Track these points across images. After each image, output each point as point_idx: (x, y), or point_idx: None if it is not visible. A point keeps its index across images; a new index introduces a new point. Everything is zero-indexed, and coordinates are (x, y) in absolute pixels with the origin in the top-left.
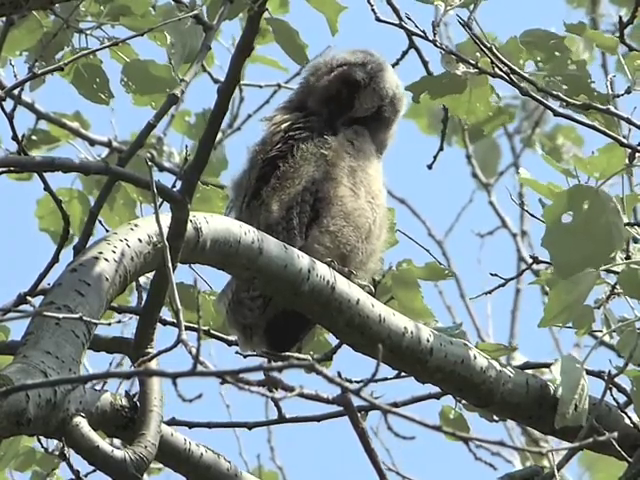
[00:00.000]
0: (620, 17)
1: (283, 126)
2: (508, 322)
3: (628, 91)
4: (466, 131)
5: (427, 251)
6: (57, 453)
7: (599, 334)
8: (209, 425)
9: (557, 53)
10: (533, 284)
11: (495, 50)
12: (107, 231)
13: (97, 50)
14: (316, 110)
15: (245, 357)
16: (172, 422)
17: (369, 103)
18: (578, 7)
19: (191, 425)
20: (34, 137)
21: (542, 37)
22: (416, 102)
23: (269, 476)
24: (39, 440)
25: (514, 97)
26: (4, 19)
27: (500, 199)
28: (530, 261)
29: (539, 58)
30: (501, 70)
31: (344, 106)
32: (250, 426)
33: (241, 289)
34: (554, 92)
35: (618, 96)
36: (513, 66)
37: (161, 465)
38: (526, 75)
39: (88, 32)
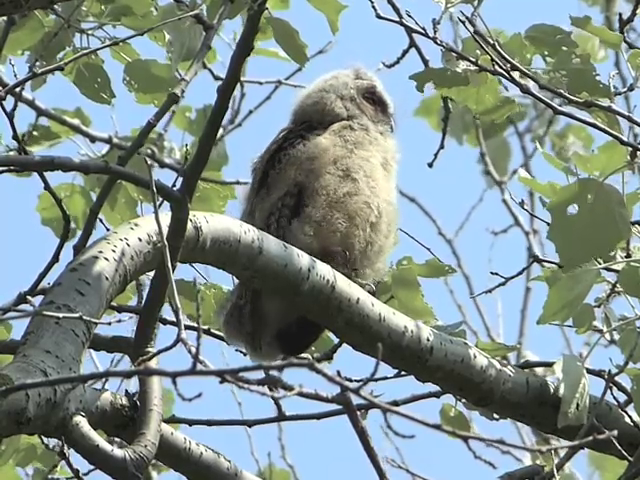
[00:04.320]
0: (620, 15)
1: (281, 135)
2: (518, 321)
3: (631, 88)
4: (479, 129)
5: (428, 249)
6: (57, 452)
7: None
8: (209, 422)
9: (564, 48)
10: (535, 280)
11: (498, 47)
12: (108, 230)
13: (97, 50)
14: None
15: (245, 355)
16: (172, 420)
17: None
18: (593, 5)
19: (191, 423)
20: (35, 133)
21: (549, 32)
22: (420, 91)
23: (280, 475)
24: (39, 436)
25: (524, 96)
26: (4, 18)
27: (513, 197)
28: (532, 260)
29: (546, 52)
30: (502, 68)
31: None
32: (250, 424)
33: (237, 297)
34: (556, 89)
35: (620, 93)
36: (515, 63)
37: None
38: (528, 72)
39: (89, 32)
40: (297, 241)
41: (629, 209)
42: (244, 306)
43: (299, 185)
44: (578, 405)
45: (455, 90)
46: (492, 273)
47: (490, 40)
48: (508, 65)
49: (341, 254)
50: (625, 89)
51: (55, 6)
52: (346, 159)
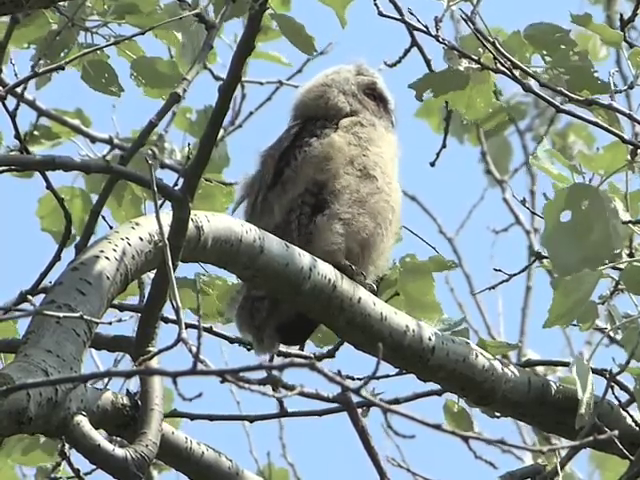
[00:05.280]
0: (621, 14)
1: (292, 132)
2: (519, 319)
3: (631, 86)
4: (480, 128)
5: (432, 247)
6: (58, 451)
7: (605, 331)
8: (210, 417)
9: (562, 46)
10: (540, 267)
11: (498, 45)
12: (111, 228)
13: (100, 48)
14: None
15: (249, 350)
16: (173, 414)
17: None
18: (595, 4)
19: (192, 417)
20: (36, 132)
21: (547, 31)
22: (419, 100)
23: (279, 473)
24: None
25: (526, 95)
26: (6, 18)
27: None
28: (535, 258)
29: (545, 52)
30: (503, 66)
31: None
32: (252, 419)
33: (250, 290)
34: (557, 87)
35: (620, 91)
36: (516, 61)
37: None
38: (529, 70)
39: (94, 30)
40: (324, 238)
41: (633, 207)
42: (261, 299)
43: (318, 184)
44: (590, 405)
45: (450, 94)
46: (495, 269)
47: (490, 38)
48: (509, 63)
49: (349, 269)
50: (625, 87)
51: (60, 4)
52: (362, 157)
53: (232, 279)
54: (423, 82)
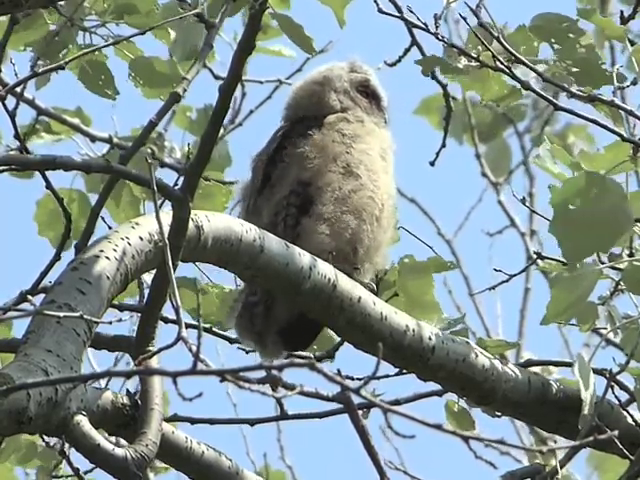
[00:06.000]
0: (622, 12)
1: (279, 134)
2: (517, 321)
3: (634, 82)
4: (475, 130)
5: (430, 247)
6: (58, 451)
7: (604, 331)
8: (211, 421)
9: (571, 35)
10: (539, 269)
11: (502, 40)
12: (110, 228)
13: (100, 48)
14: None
15: (247, 352)
16: (174, 418)
17: None
18: (588, 4)
19: (193, 421)
20: (37, 126)
21: (554, 20)
22: (425, 75)
23: (276, 475)
24: (40, 435)
25: (524, 96)
26: (6, 19)
27: (510, 198)
28: (535, 258)
29: (553, 40)
30: (502, 64)
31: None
32: (252, 422)
33: (247, 295)
34: (559, 83)
35: (623, 88)
36: (519, 55)
37: None
38: (531, 65)
39: (92, 30)
40: (311, 240)
41: (633, 207)
42: (256, 305)
43: (303, 184)
44: (592, 406)
45: (462, 79)
46: (495, 270)
47: (494, 32)
48: (512, 58)
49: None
50: (629, 83)
51: (59, 3)
52: (345, 155)
53: (229, 285)
54: (431, 60)
